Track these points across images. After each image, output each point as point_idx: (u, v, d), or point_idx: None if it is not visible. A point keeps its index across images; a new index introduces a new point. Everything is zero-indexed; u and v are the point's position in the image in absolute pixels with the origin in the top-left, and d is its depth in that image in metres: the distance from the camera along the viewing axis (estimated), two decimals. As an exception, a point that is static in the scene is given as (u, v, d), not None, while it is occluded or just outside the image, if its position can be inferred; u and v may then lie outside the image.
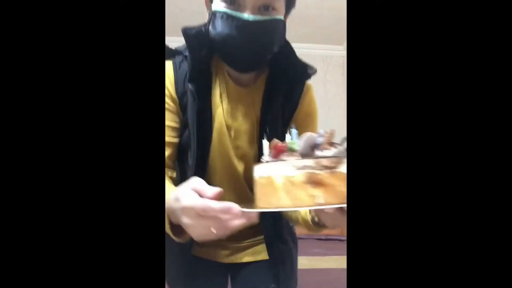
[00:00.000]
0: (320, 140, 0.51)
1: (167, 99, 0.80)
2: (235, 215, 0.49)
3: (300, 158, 0.50)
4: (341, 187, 0.46)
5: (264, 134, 0.59)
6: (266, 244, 0.88)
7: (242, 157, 0.84)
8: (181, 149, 0.82)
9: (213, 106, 0.82)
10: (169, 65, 0.82)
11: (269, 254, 0.88)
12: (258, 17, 0.72)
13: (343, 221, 0.51)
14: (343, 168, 0.47)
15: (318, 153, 0.50)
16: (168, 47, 0.82)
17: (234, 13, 0.73)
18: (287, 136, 0.54)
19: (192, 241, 0.82)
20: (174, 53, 0.83)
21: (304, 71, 0.84)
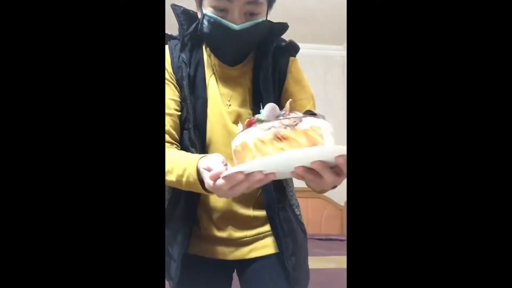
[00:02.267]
0: (282, 112, 0.61)
1: (166, 75, 0.88)
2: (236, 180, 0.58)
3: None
4: (302, 138, 0.55)
5: (261, 104, 0.65)
6: (274, 237, 0.87)
7: (236, 121, 0.89)
8: (182, 121, 0.89)
9: (206, 75, 0.90)
10: (166, 47, 0.92)
11: (278, 247, 0.86)
12: (244, 25, 0.82)
13: (330, 178, 0.57)
14: (302, 125, 0.56)
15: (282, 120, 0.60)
16: (166, 34, 0.92)
17: (223, 21, 0.81)
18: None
19: (187, 239, 0.84)
20: (169, 38, 0.93)
21: (288, 48, 0.94)
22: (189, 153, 0.82)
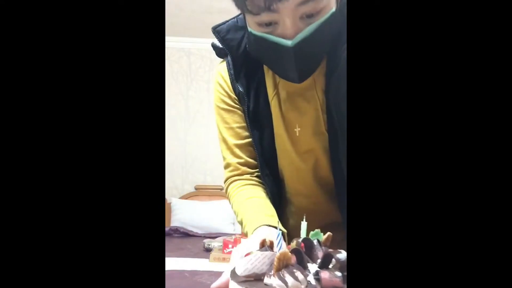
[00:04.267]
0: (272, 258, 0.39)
1: (228, 100, 0.77)
2: None
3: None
4: None
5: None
6: None
7: (307, 152, 0.74)
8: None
9: (269, 97, 0.74)
10: (222, 66, 0.78)
11: None
12: (298, 38, 0.61)
13: None
14: None
15: (266, 279, 0.39)
16: (217, 46, 0.76)
17: (270, 38, 0.62)
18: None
19: None
20: (226, 54, 0.77)
21: None
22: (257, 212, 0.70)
